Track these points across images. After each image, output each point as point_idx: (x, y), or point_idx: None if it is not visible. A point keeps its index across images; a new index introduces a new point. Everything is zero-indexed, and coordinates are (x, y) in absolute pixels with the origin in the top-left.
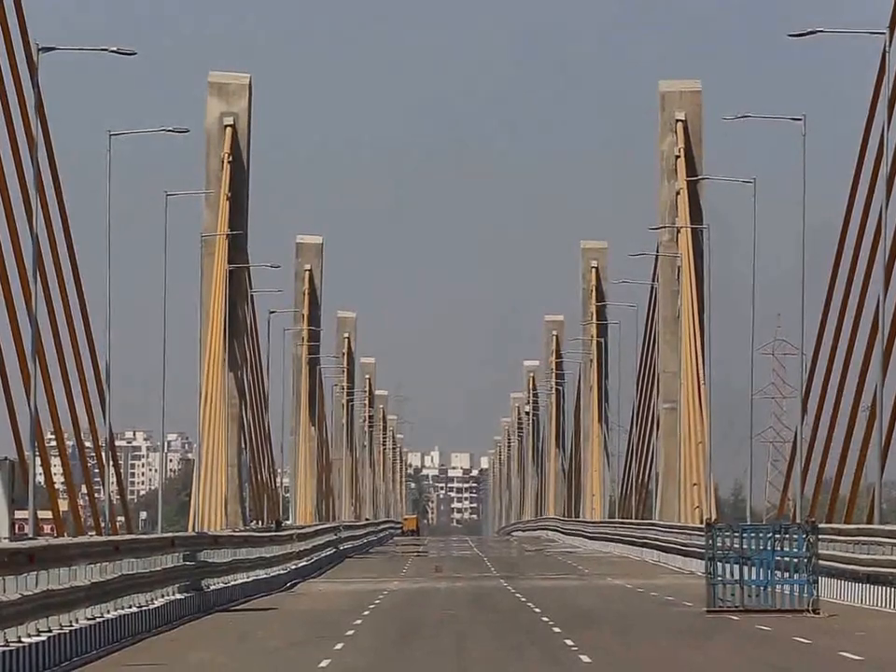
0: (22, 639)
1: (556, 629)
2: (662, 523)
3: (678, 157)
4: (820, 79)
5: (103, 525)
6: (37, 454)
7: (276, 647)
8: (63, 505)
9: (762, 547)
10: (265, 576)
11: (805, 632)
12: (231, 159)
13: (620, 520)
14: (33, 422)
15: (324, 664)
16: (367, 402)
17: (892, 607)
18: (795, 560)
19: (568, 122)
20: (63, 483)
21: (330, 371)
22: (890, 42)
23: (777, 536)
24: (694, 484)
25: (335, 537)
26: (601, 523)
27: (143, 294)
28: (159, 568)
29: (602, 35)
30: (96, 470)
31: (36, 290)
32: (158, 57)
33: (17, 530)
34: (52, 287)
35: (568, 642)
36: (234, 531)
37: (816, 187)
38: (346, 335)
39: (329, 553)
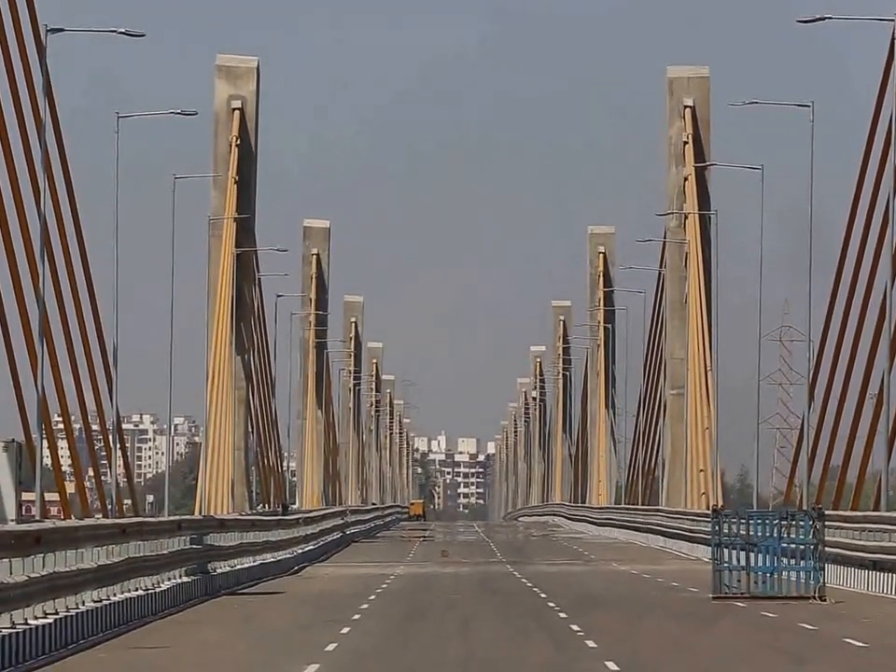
0: (29, 622)
1: (562, 614)
2: (668, 509)
3: (685, 143)
4: (829, 66)
5: (109, 507)
6: (44, 436)
7: (283, 630)
8: (70, 487)
9: (768, 533)
10: (272, 560)
11: (810, 618)
12: (238, 142)
13: (626, 506)
14: (40, 404)
15: (330, 647)
16: (374, 387)
17: None
18: (801, 547)
19: (576, 107)
20: (69, 465)
21: (337, 356)
22: None
23: (784, 522)
24: (701, 470)
25: (342, 521)
26: (607, 508)
27: (151, 277)
28: (165, 551)
29: (610, 19)
30: (103, 453)
31: (44, 272)
32: (167, 39)
33: (24, 512)
34: (60, 270)
35: (574, 627)
36: (241, 515)
37: (822, 172)
38: (353, 319)
39: (335, 537)
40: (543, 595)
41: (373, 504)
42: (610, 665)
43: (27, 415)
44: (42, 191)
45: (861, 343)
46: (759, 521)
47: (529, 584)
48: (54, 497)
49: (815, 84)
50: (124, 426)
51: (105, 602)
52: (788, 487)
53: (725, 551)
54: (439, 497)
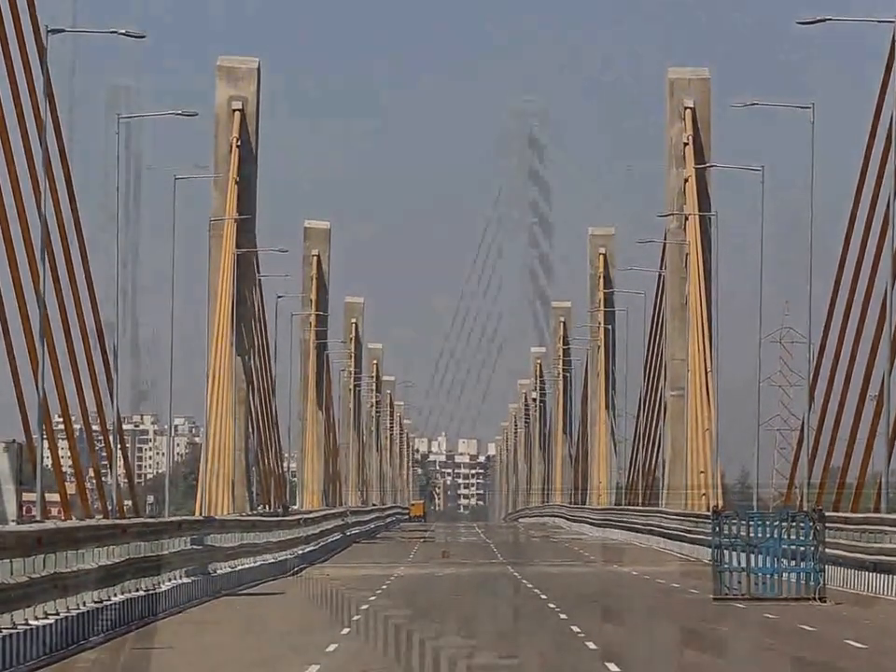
0: (30, 622)
1: (563, 615)
2: (668, 510)
3: (686, 144)
4: (830, 66)
5: (110, 508)
6: (45, 436)
7: (283, 631)
8: (71, 488)
9: (768, 535)
10: (272, 560)
11: (810, 620)
12: (239, 143)
13: (626, 507)
14: (40, 404)
15: (331, 648)
16: (374, 388)
17: None
18: (802, 548)
19: (576, 108)
20: (70, 466)
21: (338, 356)
22: None
23: (784, 524)
24: (701, 472)
25: (342, 522)
26: (607, 509)
27: (151, 277)
28: (166, 552)
29: (611, 20)
30: (104, 454)
31: (45, 272)
32: (167, 40)
33: (24, 512)
34: (61, 270)
35: (575, 629)
36: (241, 515)
37: (823, 173)
38: (354, 320)
39: (336, 537)
40: (544, 597)
41: (374, 505)
42: (611, 665)
43: (28, 416)
44: (43, 191)
45: (861, 344)
46: (759, 522)
47: (530, 585)
48: (55, 497)
49: (815, 85)
50: (125, 426)
51: (105, 602)
52: (788, 489)
53: (726, 552)
54: (439, 498)
